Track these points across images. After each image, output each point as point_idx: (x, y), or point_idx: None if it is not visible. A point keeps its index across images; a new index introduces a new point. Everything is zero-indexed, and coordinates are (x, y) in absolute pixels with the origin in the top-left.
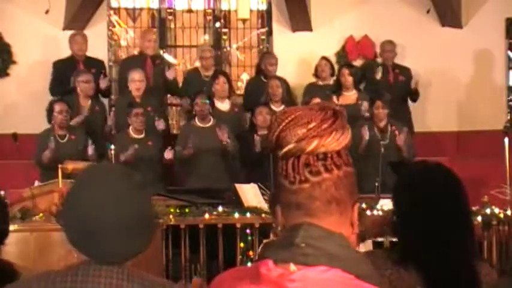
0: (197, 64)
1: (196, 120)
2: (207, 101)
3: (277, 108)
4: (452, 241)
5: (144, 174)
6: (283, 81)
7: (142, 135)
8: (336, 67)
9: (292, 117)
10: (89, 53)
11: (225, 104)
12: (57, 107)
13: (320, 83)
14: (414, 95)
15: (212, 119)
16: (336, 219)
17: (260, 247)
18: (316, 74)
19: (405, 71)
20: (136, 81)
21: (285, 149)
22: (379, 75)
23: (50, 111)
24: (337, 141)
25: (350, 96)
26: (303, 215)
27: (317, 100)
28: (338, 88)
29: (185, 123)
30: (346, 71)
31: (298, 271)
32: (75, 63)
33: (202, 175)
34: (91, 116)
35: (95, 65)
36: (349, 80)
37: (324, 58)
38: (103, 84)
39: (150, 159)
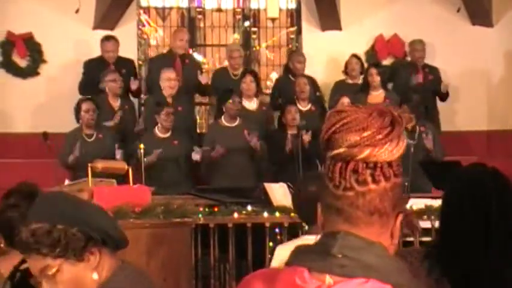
0: (226, 63)
1: (223, 119)
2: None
3: (304, 107)
4: (500, 247)
5: (169, 174)
6: (311, 80)
7: (168, 134)
8: (366, 66)
9: (347, 120)
10: (119, 53)
11: (253, 103)
12: (84, 106)
13: (349, 81)
14: (444, 96)
15: (239, 119)
16: (376, 230)
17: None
18: (346, 72)
19: (434, 71)
20: (172, 80)
21: (335, 152)
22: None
23: (77, 110)
24: (390, 152)
25: (378, 95)
26: (342, 221)
27: (346, 99)
28: (365, 87)
29: (212, 122)
30: (374, 71)
31: (335, 285)
32: (106, 63)
33: (228, 175)
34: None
35: (125, 65)
36: (376, 79)
37: (355, 56)
38: (134, 85)
39: (175, 158)
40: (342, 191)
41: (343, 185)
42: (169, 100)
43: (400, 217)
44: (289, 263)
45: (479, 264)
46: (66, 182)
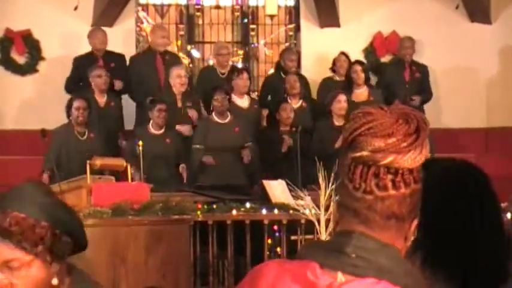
0: (211, 62)
1: (214, 115)
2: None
3: (295, 104)
4: (483, 241)
5: (158, 171)
6: (302, 77)
7: (161, 131)
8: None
9: (374, 124)
10: (116, 49)
11: (244, 100)
12: (75, 104)
13: (336, 78)
14: (425, 99)
15: (230, 115)
16: (391, 234)
17: (302, 245)
18: (333, 69)
19: (422, 68)
20: (182, 77)
21: (358, 154)
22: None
23: (68, 107)
24: (413, 160)
25: (362, 93)
26: (358, 222)
27: (343, 97)
28: (350, 84)
29: (202, 118)
30: (358, 68)
31: (347, 283)
32: (95, 59)
33: (219, 171)
34: (106, 112)
35: (114, 60)
36: (361, 76)
37: (343, 53)
38: (117, 86)
39: (165, 156)
40: (362, 194)
41: (363, 188)
42: (179, 97)
43: (416, 222)
44: (301, 256)
45: (476, 261)
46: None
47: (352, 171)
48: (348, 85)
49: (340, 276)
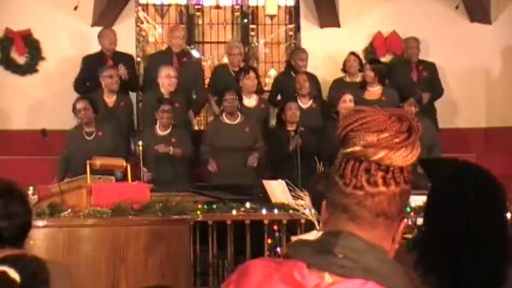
0: (225, 60)
1: (224, 116)
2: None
3: (305, 103)
4: (483, 242)
5: (167, 172)
6: (312, 77)
7: (167, 132)
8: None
9: (367, 120)
10: (117, 49)
11: (252, 100)
12: (78, 105)
13: (347, 78)
14: (436, 95)
15: (240, 116)
16: (379, 233)
17: (289, 244)
18: (344, 69)
19: (430, 66)
20: (171, 77)
21: (349, 150)
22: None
23: (74, 110)
24: (404, 158)
25: (375, 91)
26: (347, 219)
27: (349, 96)
28: (364, 84)
29: (213, 119)
30: (368, 67)
31: (334, 284)
32: (104, 58)
33: (229, 172)
34: (115, 112)
35: (123, 60)
36: (370, 75)
37: (353, 53)
38: (121, 70)
39: (173, 156)
40: (352, 189)
41: (354, 183)
42: (167, 97)
43: (404, 223)
44: (288, 256)
45: (469, 266)
46: (65, 179)
47: (343, 167)
48: (362, 84)
49: (327, 277)
